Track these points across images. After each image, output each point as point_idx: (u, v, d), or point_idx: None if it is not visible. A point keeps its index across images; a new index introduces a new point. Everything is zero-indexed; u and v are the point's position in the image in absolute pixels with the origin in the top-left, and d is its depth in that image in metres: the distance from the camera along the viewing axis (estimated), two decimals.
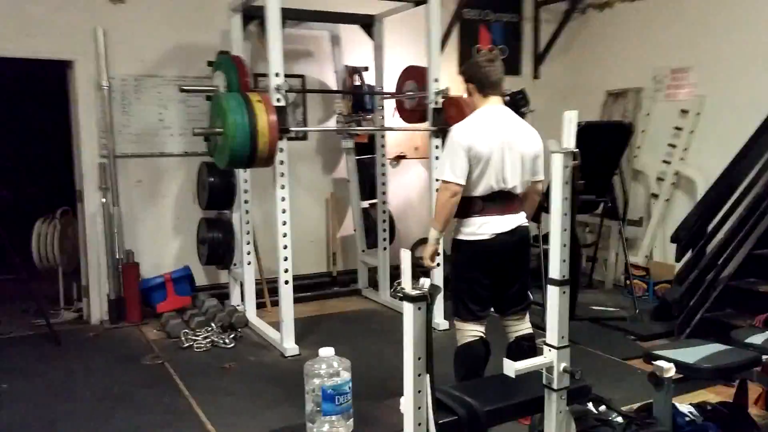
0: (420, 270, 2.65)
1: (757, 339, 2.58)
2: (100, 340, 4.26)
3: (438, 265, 3.04)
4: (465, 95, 2.92)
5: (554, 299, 1.92)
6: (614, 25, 5.67)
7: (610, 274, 5.46)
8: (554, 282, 1.91)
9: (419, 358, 1.72)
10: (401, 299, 1.70)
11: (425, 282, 1.73)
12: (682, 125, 5.08)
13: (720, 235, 4.31)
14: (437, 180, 2.74)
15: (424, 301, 1.71)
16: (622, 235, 5.03)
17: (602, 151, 4.58)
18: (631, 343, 4.11)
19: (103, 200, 4.56)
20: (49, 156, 6.12)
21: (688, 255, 4.33)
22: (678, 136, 5.12)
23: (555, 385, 1.93)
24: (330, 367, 1.80)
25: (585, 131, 4.34)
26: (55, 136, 5.37)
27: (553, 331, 1.93)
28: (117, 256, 4.57)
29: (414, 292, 1.70)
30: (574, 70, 6.03)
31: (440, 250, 4.15)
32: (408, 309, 1.71)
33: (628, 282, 5.00)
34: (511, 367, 1.87)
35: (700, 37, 4.94)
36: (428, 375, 1.74)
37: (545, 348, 1.96)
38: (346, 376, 1.80)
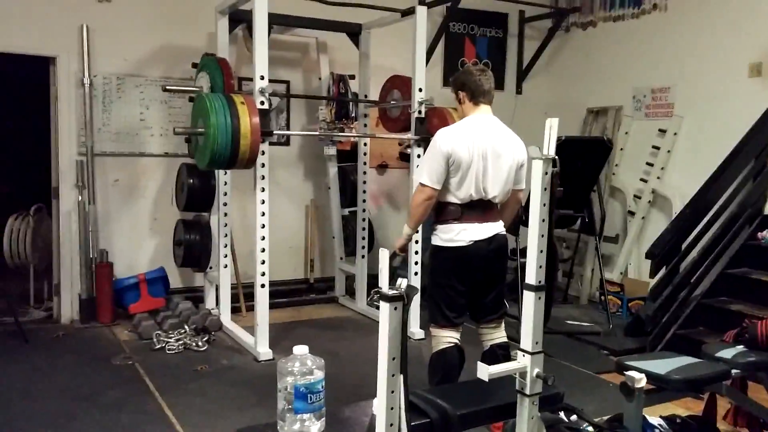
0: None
1: (726, 353, 2.61)
2: (70, 339, 4.17)
3: (406, 251, 3.16)
4: (455, 104, 2.94)
5: (529, 305, 1.93)
6: (597, 43, 5.79)
7: (586, 290, 5.51)
8: (530, 287, 1.92)
9: (393, 359, 1.71)
10: (378, 298, 1.70)
11: (402, 282, 1.73)
12: (659, 144, 5.19)
13: (694, 253, 4.38)
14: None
15: (401, 301, 1.70)
16: (598, 251, 5.09)
17: (581, 166, 4.66)
18: (605, 358, 4.14)
19: (79, 198, 4.49)
20: (24, 153, 6.02)
21: (662, 272, 4.39)
22: (655, 155, 5.22)
23: (528, 391, 1.94)
24: (303, 365, 1.78)
25: (564, 146, 4.44)
26: (32, 134, 5.28)
27: (528, 337, 1.93)
28: (91, 255, 4.49)
29: (391, 292, 1.70)
30: (557, 87, 6.13)
31: (418, 260, 4.19)
32: (384, 308, 1.70)
33: (602, 298, 5.05)
34: (485, 371, 1.87)
35: (679, 58, 5.06)
36: (402, 376, 1.73)
37: (519, 353, 1.96)
38: (319, 374, 1.79)
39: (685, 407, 3.18)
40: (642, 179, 5.31)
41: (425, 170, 2.70)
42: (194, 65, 4.46)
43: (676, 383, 2.39)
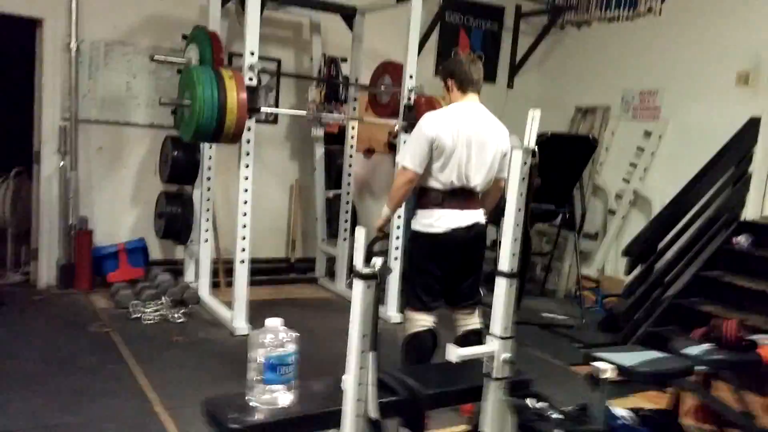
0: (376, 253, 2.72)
1: (692, 350, 2.68)
2: (47, 304, 4.14)
3: (386, 235, 3.16)
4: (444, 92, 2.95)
5: (501, 291, 1.96)
6: (590, 43, 5.82)
7: (563, 284, 5.58)
8: (503, 274, 1.95)
9: (365, 335, 1.74)
10: (353, 276, 1.72)
11: (377, 261, 1.75)
12: (644, 146, 5.25)
13: (669, 254, 4.46)
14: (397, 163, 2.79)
15: (374, 279, 1.72)
16: (576, 247, 5.16)
17: (565, 162, 4.70)
18: (577, 350, 4.21)
19: (61, 163, 4.43)
20: (5, 116, 5.91)
21: (638, 270, 4.47)
22: (639, 156, 5.28)
23: (495, 374, 1.97)
24: (276, 337, 1.80)
25: (550, 142, 4.47)
26: (13, 96, 5.19)
27: (498, 322, 1.97)
28: (70, 222, 4.45)
29: (365, 270, 1.72)
30: (548, 83, 6.15)
31: (399, 245, 4.21)
32: (358, 286, 1.72)
33: (578, 293, 5.13)
34: (454, 353, 1.90)
35: (670, 62, 5.11)
36: (373, 353, 1.76)
37: (489, 337, 2.00)
38: (291, 347, 1.80)
39: (651, 401, 3.25)
40: (624, 179, 5.38)
41: (408, 153, 2.72)
42: (184, 37, 4.41)
43: (641, 376, 2.45)
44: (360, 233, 1.75)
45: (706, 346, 2.78)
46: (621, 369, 2.45)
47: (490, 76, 5.97)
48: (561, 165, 4.62)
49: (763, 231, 4.37)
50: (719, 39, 4.78)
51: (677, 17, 5.09)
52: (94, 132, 4.56)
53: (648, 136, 5.23)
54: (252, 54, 3.64)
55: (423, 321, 2.79)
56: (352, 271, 1.75)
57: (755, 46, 4.54)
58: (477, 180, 2.75)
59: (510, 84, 6.16)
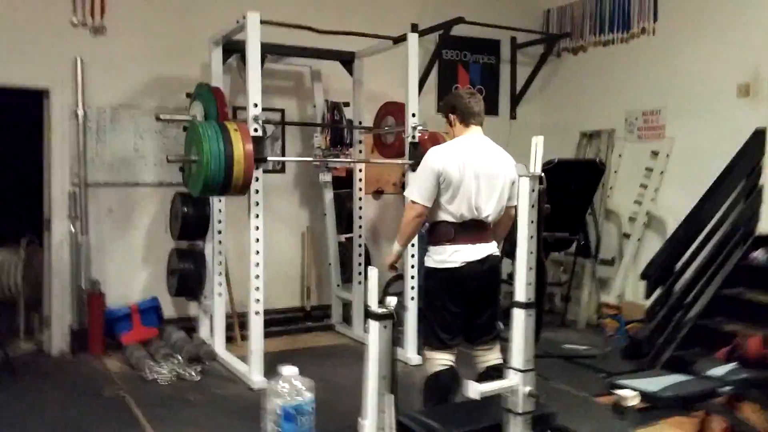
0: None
1: (718, 371, 2.60)
2: (60, 371, 4.09)
3: (396, 269, 3.08)
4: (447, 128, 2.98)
5: (519, 322, 1.92)
6: (588, 68, 5.87)
7: (583, 313, 5.46)
8: (519, 305, 1.92)
9: (382, 377, 1.70)
10: (367, 317, 1.69)
11: (392, 301, 1.73)
12: (652, 166, 5.22)
13: (688, 274, 4.37)
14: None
15: (390, 319, 1.70)
16: (594, 275, 5.07)
17: (575, 188, 4.68)
18: (602, 381, 4.08)
19: (72, 229, 4.45)
20: (14, 185, 5.96)
21: (658, 293, 4.37)
22: (649, 177, 5.24)
23: (517, 409, 1.91)
24: (292, 387, 1.76)
25: (557, 168, 4.47)
26: (22, 165, 5.26)
27: (518, 354, 1.92)
28: (82, 286, 4.43)
29: (380, 311, 1.70)
30: (550, 111, 6.19)
31: (415, 284, 4.16)
32: (373, 327, 1.69)
33: (600, 321, 5.01)
34: (475, 390, 1.85)
35: (669, 80, 5.13)
36: (391, 395, 1.71)
37: (509, 371, 1.94)
38: (308, 396, 1.77)
39: (680, 428, 3.12)
40: (636, 201, 5.33)
41: (416, 187, 2.73)
42: (188, 95, 4.51)
43: (666, 400, 2.38)
44: (373, 273, 1.74)
45: (730, 366, 2.70)
46: (645, 395, 2.38)
47: (492, 108, 6.01)
48: (571, 191, 4.61)
49: None
50: (715, 53, 4.80)
51: (671, 35, 5.13)
52: (104, 194, 4.61)
53: (655, 156, 5.21)
54: (255, 106, 3.70)
55: (442, 360, 2.72)
56: (368, 314, 1.72)
57: (753, 58, 4.54)
58: (488, 210, 2.73)
59: (513, 115, 6.20)
